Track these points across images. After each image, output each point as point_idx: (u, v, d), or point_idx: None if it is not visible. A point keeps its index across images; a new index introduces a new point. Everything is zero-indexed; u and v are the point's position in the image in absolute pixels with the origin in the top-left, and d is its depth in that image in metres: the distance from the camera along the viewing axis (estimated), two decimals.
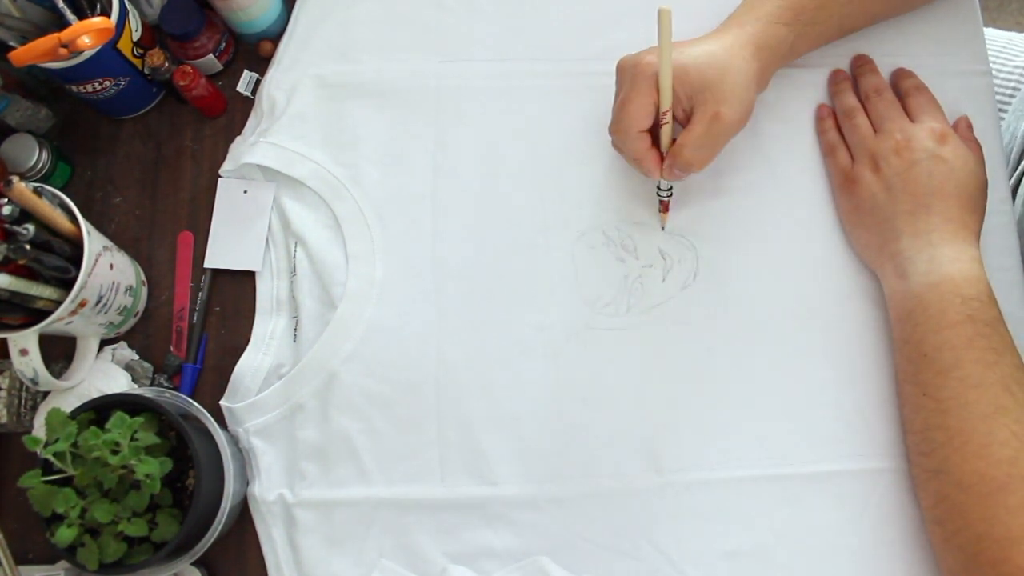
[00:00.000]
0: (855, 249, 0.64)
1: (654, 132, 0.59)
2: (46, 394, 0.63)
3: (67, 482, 0.53)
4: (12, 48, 0.58)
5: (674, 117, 0.58)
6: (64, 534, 0.52)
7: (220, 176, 0.68)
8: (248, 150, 0.66)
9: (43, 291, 0.57)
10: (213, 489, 0.57)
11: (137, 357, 0.65)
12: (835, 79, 0.67)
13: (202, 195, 0.68)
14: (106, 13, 0.62)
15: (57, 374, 0.62)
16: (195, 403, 0.60)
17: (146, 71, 0.67)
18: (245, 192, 0.67)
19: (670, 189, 0.62)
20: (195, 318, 0.66)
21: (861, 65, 0.67)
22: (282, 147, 0.66)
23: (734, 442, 0.61)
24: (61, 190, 0.59)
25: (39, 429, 0.61)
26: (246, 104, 0.70)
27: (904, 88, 0.65)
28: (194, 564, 0.58)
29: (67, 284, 0.57)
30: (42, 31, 0.60)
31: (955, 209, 0.59)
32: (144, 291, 0.66)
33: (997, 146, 0.66)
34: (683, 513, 0.60)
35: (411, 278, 0.65)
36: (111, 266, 0.60)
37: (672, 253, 0.65)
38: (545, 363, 0.63)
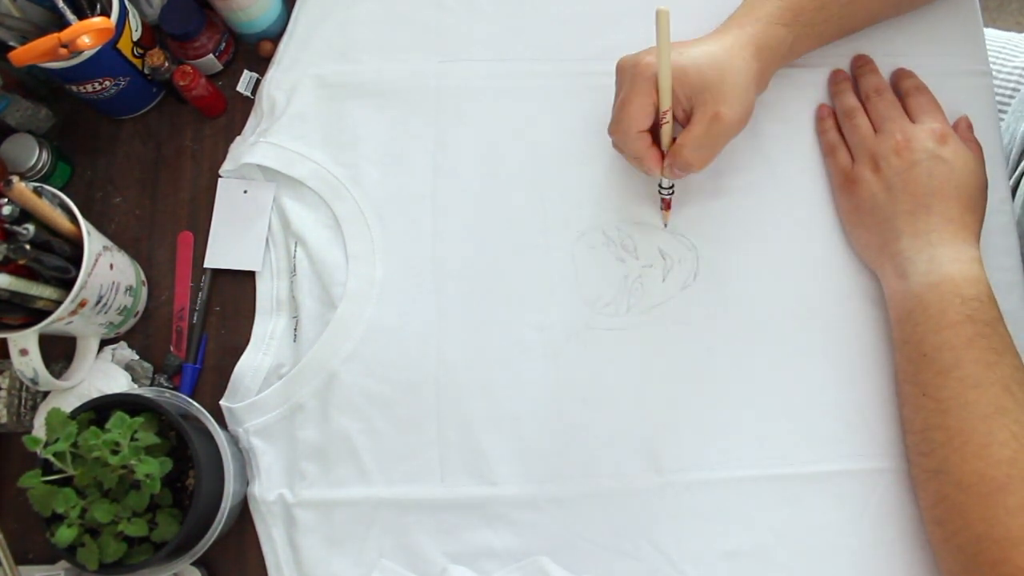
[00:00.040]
0: (855, 249, 0.64)
1: (654, 131, 0.59)
2: (46, 394, 0.63)
3: (67, 482, 0.53)
4: (12, 48, 0.58)
5: (674, 117, 0.59)
6: (64, 534, 0.52)
7: (220, 176, 0.68)
8: (248, 150, 0.66)
9: (43, 291, 0.57)
10: (213, 489, 0.57)
11: (137, 357, 0.65)
12: (835, 79, 0.67)
13: (202, 195, 0.68)
14: (106, 13, 0.62)
15: (57, 374, 0.62)
16: (195, 403, 0.60)
17: (146, 71, 0.67)
18: (245, 192, 0.67)
19: (671, 187, 0.62)
20: (195, 318, 0.66)
21: (861, 65, 0.67)
22: (282, 147, 0.66)
23: (734, 442, 0.61)
24: (61, 190, 0.59)
25: (39, 429, 0.61)
26: (246, 104, 0.70)
27: (904, 88, 0.65)
28: (194, 564, 0.58)
29: (67, 284, 0.57)
30: (42, 31, 0.60)
31: (955, 209, 0.59)
32: (144, 291, 0.66)
33: (997, 146, 0.66)
34: (683, 513, 0.60)
35: (411, 278, 0.65)
36: (111, 266, 0.60)
37: (672, 253, 0.65)
38: (545, 363, 0.63)
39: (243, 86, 0.70)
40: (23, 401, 0.63)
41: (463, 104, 0.68)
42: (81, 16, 0.62)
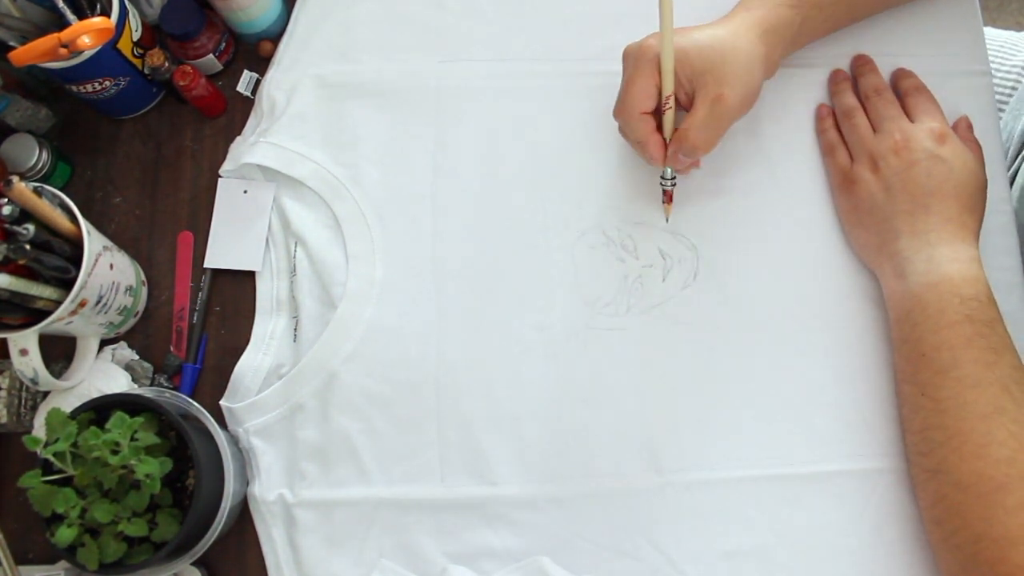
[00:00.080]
0: (854, 249, 0.64)
1: (659, 120, 0.59)
2: (46, 394, 0.63)
3: (67, 482, 0.53)
4: (12, 48, 0.58)
5: (678, 102, 0.59)
6: (64, 534, 0.52)
7: (220, 176, 0.68)
8: (248, 150, 0.66)
9: (43, 291, 0.57)
10: (213, 489, 0.57)
11: (137, 357, 0.65)
12: (835, 79, 0.67)
13: (202, 195, 0.68)
14: (106, 13, 0.62)
15: (57, 374, 0.62)
16: (195, 403, 0.60)
17: (146, 71, 0.67)
18: (245, 192, 0.67)
19: (674, 177, 0.62)
20: (195, 318, 0.66)
21: (861, 65, 0.67)
22: (282, 147, 0.66)
23: (734, 442, 0.61)
24: (61, 190, 0.59)
25: (39, 429, 0.61)
26: (246, 104, 0.70)
27: (904, 88, 0.65)
28: (194, 564, 0.58)
29: (67, 284, 0.57)
30: (42, 31, 0.60)
31: (954, 209, 0.59)
32: (144, 291, 0.66)
33: (997, 146, 0.66)
34: (683, 513, 0.60)
35: (411, 278, 0.65)
36: (111, 266, 0.60)
37: (672, 253, 0.65)
38: (545, 363, 0.63)
39: (243, 86, 0.70)
40: (23, 401, 0.63)
41: (463, 104, 0.68)
42: (81, 16, 0.62)
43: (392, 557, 0.60)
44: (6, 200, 0.55)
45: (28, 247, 0.55)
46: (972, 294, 0.56)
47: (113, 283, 0.61)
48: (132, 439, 0.53)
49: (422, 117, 0.67)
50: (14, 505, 0.63)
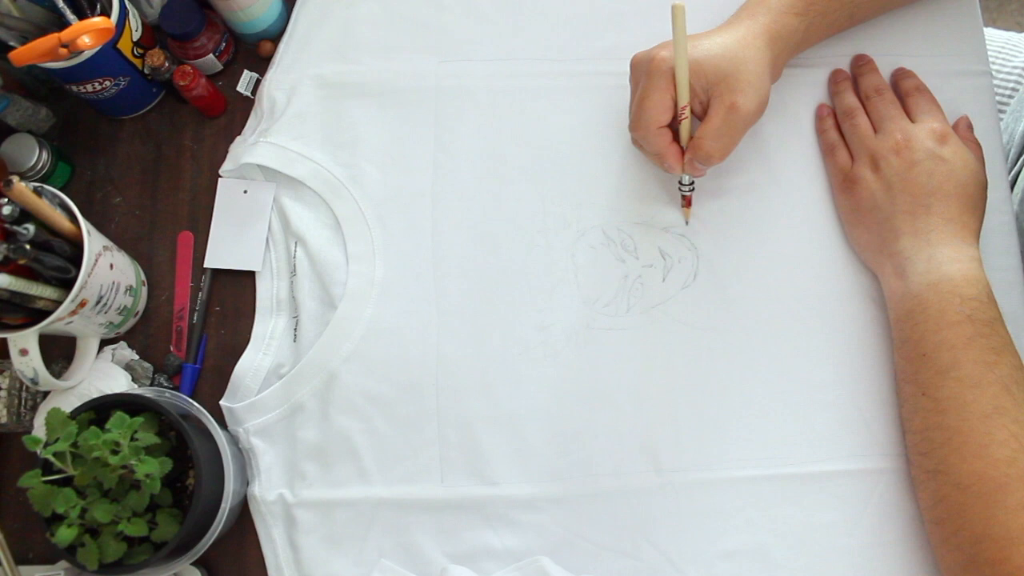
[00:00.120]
0: (854, 249, 0.64)
1: (673, 128, 0.59)
2: (46, 394, 0.63)
3: (67, 482, 0.53)
4: (12, 48, 0.58)
5: (691, 111, 0.59)
6: (64, 534, 0.52)
7: (220, 176, 0.68)
8: (248, 150, 0.66)
9: (43, 291, 0.57)
10: (213, 489, 0.57)
11: (137, 357, 0.65)
12: (835, 79, 0.67)
13: (202, 195, 0.68)
14: (106, 13, 0.62)
15: (57, 374, 0.62)
16: (195, 403, 0.60)
17: (146, 71, 0.67)
18: (245, 192, 0.67)
19: (692, 184, 0.62)
20: (195, 318, 0.66)
21: (861, 65, 0.67)
22: (282, 147, 0.66)
23: (734, 442, 0.61)
24: (61, 190, 0.59)
25: (39, 429, 0.61)
26: (246, 104, 0.70)
27: (904, 88, 0.65)
28: (194, 564, 0.58)
29: (67, 284, 0.57)
30: (42, 31, 0.60)
31: (955, 209, 0.59)
32: (144, 291, 0.66)
33: (997, 146, 0.66)
34: (683, 513, 0.60)
35: (411, 278, 0.65)
36: (111, 266, 0.60)
37: (672, 253, 0.65)
38: (545, 363, 0.63)
39: (243, 86, 0.70)
40: (23, 401, 0.63)
41: (463, 104, 0.68)
42: (81, 16, 0.62)
43: (392, 557, 0.60)
44: (6, 200, 0.55)
45: (28, 247, 0.55)
46: (973, 294, 0.56)
47: (113, 283, 0.61)
48: (132, 439, 0.53)
49: (422, 117, 0.67)
50: (14, 505, 0.63)
